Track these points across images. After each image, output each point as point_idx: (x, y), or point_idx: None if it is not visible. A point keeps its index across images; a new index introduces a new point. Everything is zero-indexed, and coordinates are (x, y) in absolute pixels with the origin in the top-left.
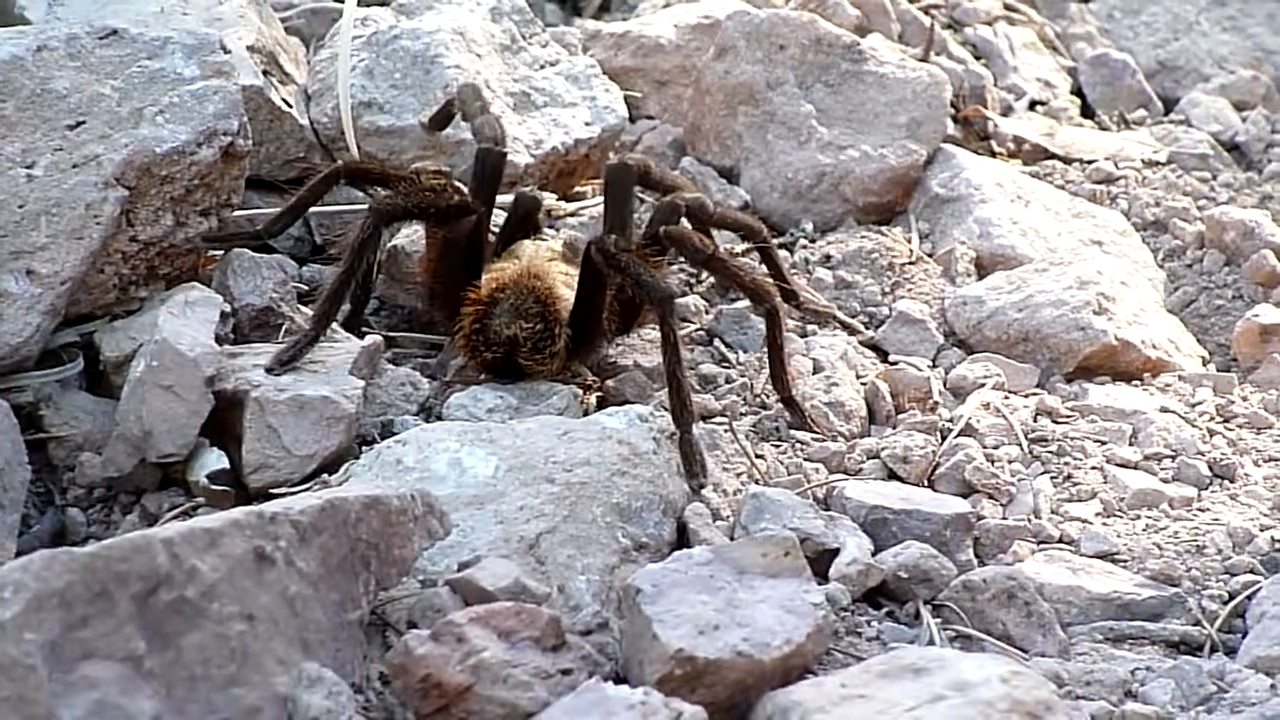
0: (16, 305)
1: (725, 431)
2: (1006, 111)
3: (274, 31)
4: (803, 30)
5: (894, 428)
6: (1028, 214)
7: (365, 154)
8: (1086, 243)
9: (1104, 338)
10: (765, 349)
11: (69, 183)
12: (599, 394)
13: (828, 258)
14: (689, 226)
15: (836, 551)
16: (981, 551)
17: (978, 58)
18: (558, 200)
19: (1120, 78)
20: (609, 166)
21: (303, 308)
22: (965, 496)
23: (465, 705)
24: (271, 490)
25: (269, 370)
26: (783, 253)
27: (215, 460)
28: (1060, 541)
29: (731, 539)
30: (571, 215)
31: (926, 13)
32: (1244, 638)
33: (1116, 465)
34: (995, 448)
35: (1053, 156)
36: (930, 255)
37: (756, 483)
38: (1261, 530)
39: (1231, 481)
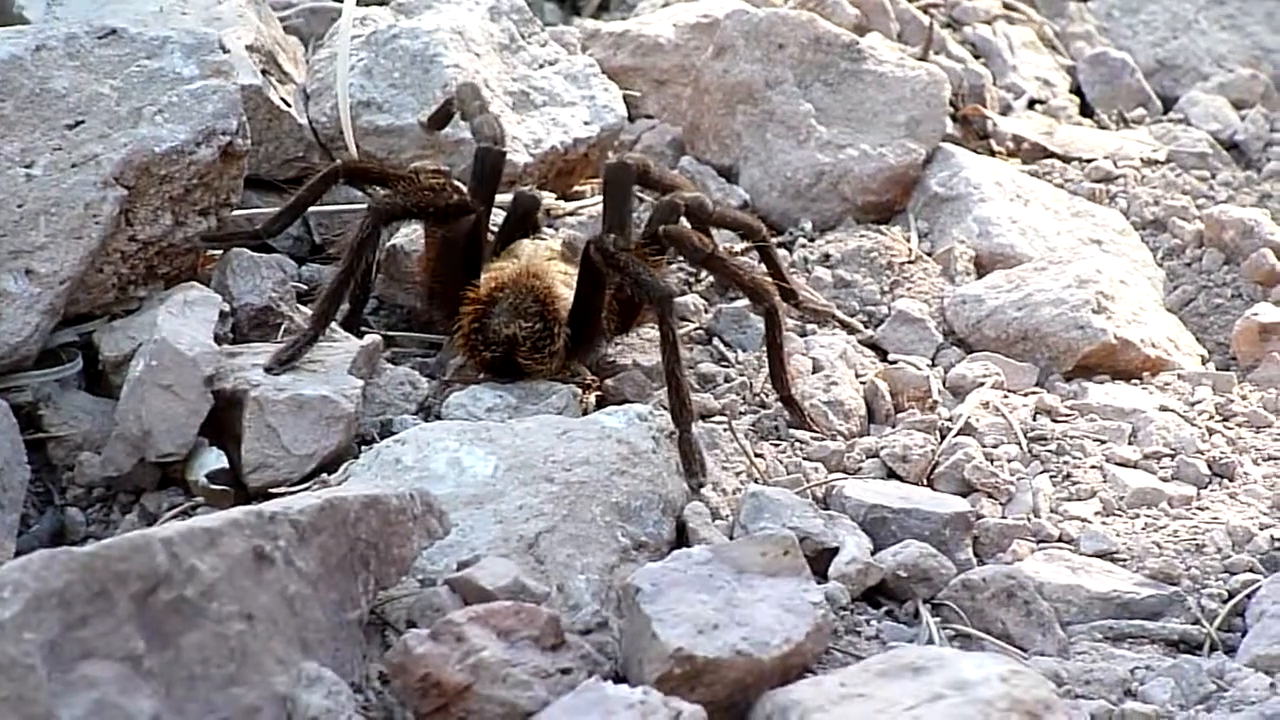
0: (15, 305)
1: (724, 430)
2: (1005, 110)
3: (273, 31)
4: (801, 29)
5: (893, 427)
6: (1027, 213)
7: (364, 153)
8: (1085, 241)
9: (1103, 336)
10: (764, 348)
11: (68, 182)
12: (598, 393)
13: (827, 257)
14: (688, 226)
15: (836, 550)
16: (981, 550)
17: (977, 57)
18: (557, 199)
19: (1119, 76)
20: (608, 166)
21: (302, 307)
22: (964, 495)
23: (464, 704)
24: (271, 490)
25: (268, 370)
26: (782, 252)
27: (214, 460)
28: (1059, 540)
29: (731, 538)
30: (570, 214)
31: (925, 11)
32: (1243, 636)
33: (1116, 464)
34: (994, 447)
35: (1052, 155)
36: (929, 254)
37: (756, 482)
38: (1261, 529)
39: (1231, 480)
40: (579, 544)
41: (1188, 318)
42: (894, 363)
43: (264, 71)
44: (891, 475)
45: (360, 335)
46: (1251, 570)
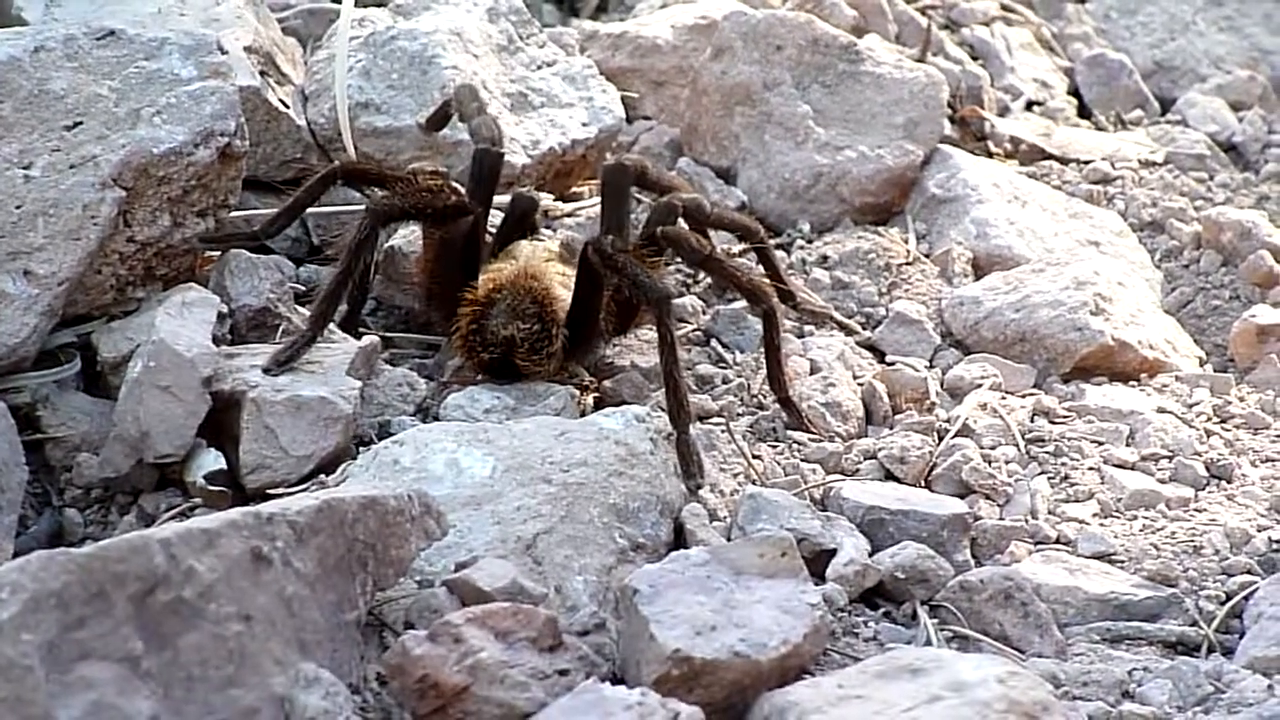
0: (14, 306)
1: (722, 432)
2: (1003, 112)
3: (271, 32)
4: (800, 31)
5: (891, 428)
6: (1024, 214)
7: (362, 154)
8: (1083, 243)
9: (1101, 338)
10: (762, 349)
11: (66, 183)
12: (596, 394)
13: (825, 258)
14: (686, 227)
15: (833, 552)
16: (978, 552)
17: (975, 58)
18: (555, 201)
19: (1117, 78)
20: (606, 167)
21: (300, 308)
22: (962, 497)
23: (462, 706)
24: (269, 491)
25: (266, 371)
26: (780, 253)
27: (212, 461)
28: (1057, 542)
29: (728, 539)
30: (568, 216)
31: (923, 13)
32: (1241, 638)
33: (1113, 466)
34: (992, 448)
35: (1049, 157)
36: (927, 256)
37: (753, 483)
38: (1259, 531)
39: (1229, 482)
40: (577, 545)
41: (1185, 319)
42: (892, 364)
43: (262, 73)
44: (889, 477)
45: (358, 336)
46: (1249, 572)
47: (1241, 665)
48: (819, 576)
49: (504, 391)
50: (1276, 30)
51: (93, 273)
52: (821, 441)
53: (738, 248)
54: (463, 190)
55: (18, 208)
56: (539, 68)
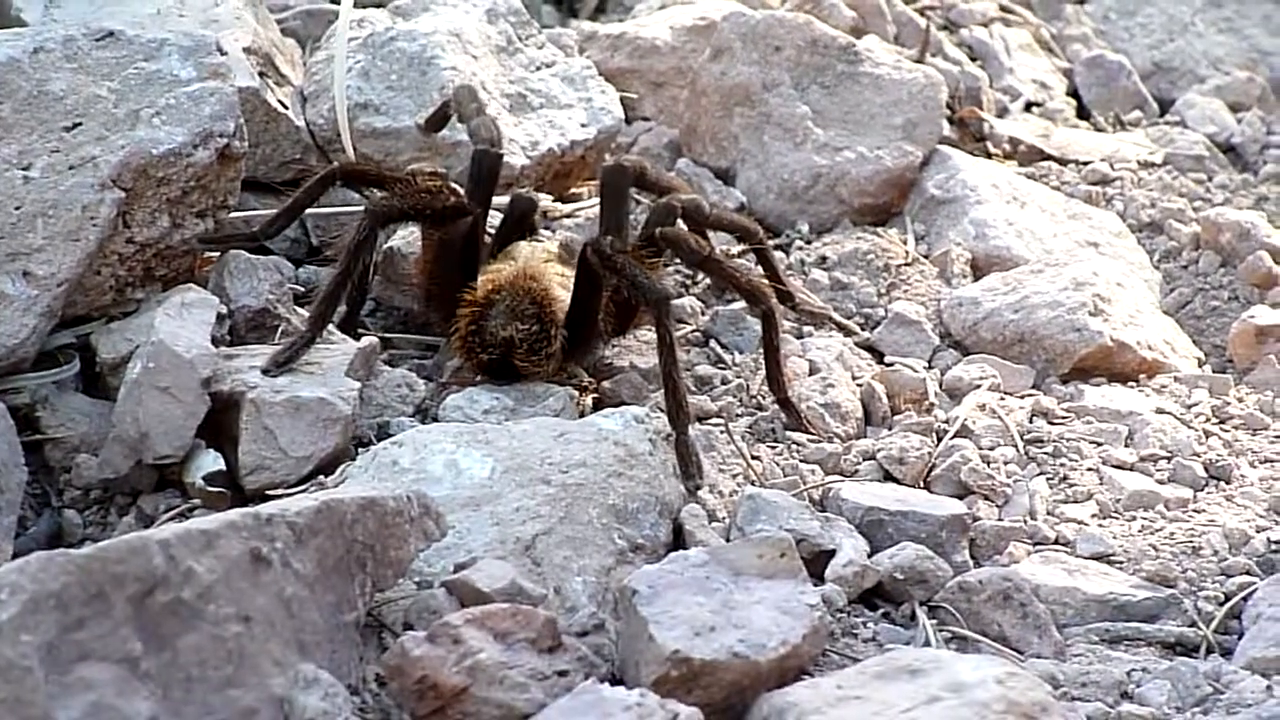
0: (13, 307)
1: (721, 433)
2: (1002, 113)
3: (270, 33)
4: (798, 32)
5: (890, 429)
6: (1023, 215)
7: (361, 155)
8: (1082, 244)
9: (1100, 339)
10: (761, 350)
11: (65, 184)
12: (595, 395)
13: (823, 259)
14: (685, 228)
15: (832, 553)
16: (977, 553)
17: (973, 59)
18: (554, 202)
19: (1116, 79)
20: (605, 168)
21: (299, 309)
22: (961, 498)
23: (461, 707)
24: (268, 492)
25: (265, 372)
26: (778, 254)
27: (211, 462)
28: (1056, 543)
29: (727, 540)
30: (567, 217)
31: (922, 14)
32: (1240, 639)
33: (1112, 466)
34: (991, 449)
35: (1048, 158)
36: (926, 256)
37: (752, 484)
38: (1257, 532)
39: (1227, 483)
40: (576, 546)
41: (1184, 320)
42: (891, 365)
43: (261, 74)
44: (888, 477)
45: (357, 337)
46: (1248, 573)
47: (1240, 666)
48: (818, 577)
49: (503, 392)
50: (1275, 31)
51: (92, 274)
52: (820, 442)
53: (737, 248)
54: (462, 191)
55: (17, 209)
56: (538, 69)
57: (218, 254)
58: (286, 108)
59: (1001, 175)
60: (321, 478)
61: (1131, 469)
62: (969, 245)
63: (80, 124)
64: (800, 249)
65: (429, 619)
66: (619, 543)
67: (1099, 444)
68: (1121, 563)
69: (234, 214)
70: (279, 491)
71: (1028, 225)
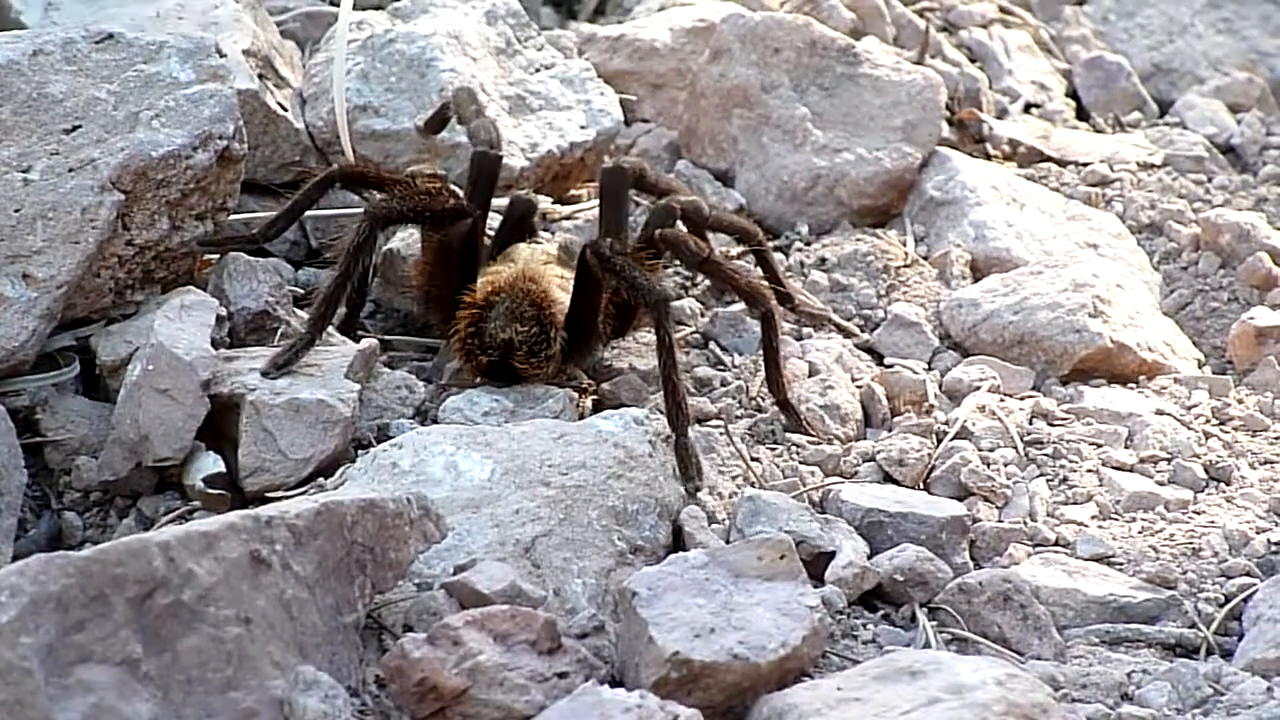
0: (13, 309)
1: (721, 434)
2: (1001, 114)
3: (269, 35)
4: (797, 33)
5: (889, 430)
6: (1023, 217)
7: (360, 157)
8: (1082, 245)
9: (1099, 340)
10: (760, 352)
11: (65, 187)
12: (594, 397)
13: (823, 260)
14: (684, 230)
15: (832, 554)
16: (977, 554)
17: (973, 60)
18: (553, 203)
19: (1115, 80)
20: (604, 170)
21: (298, 311)
22: (961, 499)
23: (461, 708)
24: (267, 494)
25: (265, 374)
26: (778, 255)
27: (211, 464)
28: (1056, 544)
29: (727, 542)
30: (567, 218)
31: (921, 15)
32: (1240, 640)
33: (1112, 468)
34: (991, 450)
35: (1048, 159)
36: (925, 258)
37: (752, 486)
38: (1258, 533)
39: (1227, 484)
40: (575, 548)
41: (1184, 321)
42: (890, 366)
43: (260, 76)
44: (888, 479)
45: (357, 339)
46: (1248, 574)
47: (1240, 667)
48: (818, 579)
49: (502, 394)
50: (1275, 32)
51: (91, 276)
52: (820, 444)
53: (736, 250)
54: (461, 193)
55: (16, 211)
56: (537, 70)
57: (217, 256)
58: (286, 110)
59: (1001, 177)
60: (321, 480)
61: (1131, 470)
62: (968, 247)
63: (80, 126)
64: (799, 250)
65: (429, 621)
66: (619, 544)
67: (1099, 445)
68: (1121, 564)
69: (233, 216)
70: (279, 494)
71: (1027, 227)
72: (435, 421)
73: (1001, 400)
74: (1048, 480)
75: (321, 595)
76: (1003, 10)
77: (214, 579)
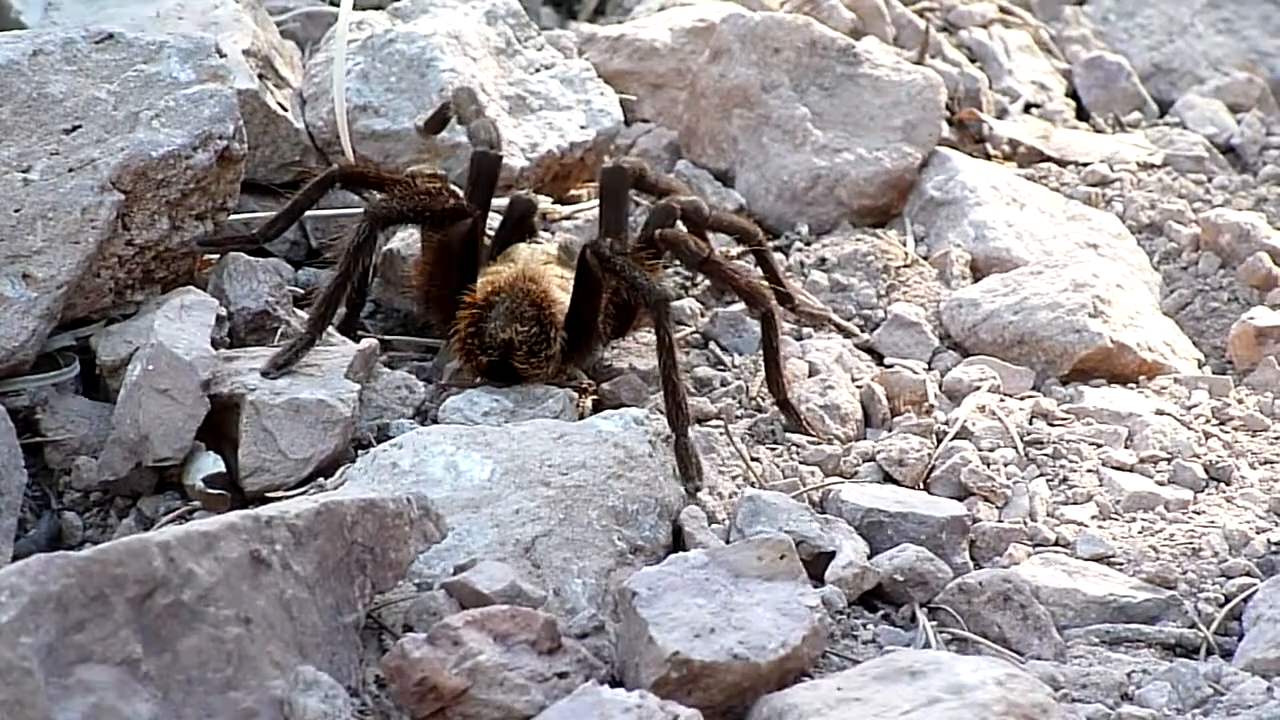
0: (13, 309)
1: (721, 434)
2: (1001, 114)
3: (269, 35)
4: (797, 33)
5: (889, 431)
6: (1023, 217)
7: (360, 157)
8: (1082, 245)
9: (1099, 340)
10: (760, 352)
11: (65, 187)
12: (594, 397)
13: (823, 260)
14: (684, 229)
15: (832, 554)
16: (977, 554)
17: (973, 61)
18: (553, 203)
19: (1115, 80)
20: (604, 170)
21: (298, 311)
22: (961, 499)
23: (461, 708)
24: (267, 494)
25: (265, 374)
26: (778, 255)
27: (211, 464)
28: (1056, 544)
29: (727, 542)
30: (567, 219)
31: (921, 15)
32: (1240, 640)
33: (1112, 468)
34: (991, 450)
35: (1048, 159)
36: (925, 258)
37: (752, 486)
38: (1258, 533)
39: (1227, 484)
40: (575, 548)
41: (1184, 321)
42: (890, 367)
43: (261, 76)
44: (888, 479)
45: (357, 339)
46: (1248, 574)
47: (1240, 667)
48: (818, 579)
49: (502, 394)
50: (1275, 32)
51: (91, 276)
52: (820, 444)
53: (736, 250)
54: (461, 193)
55: (16, 211)
56: (537, 70)
57: (217, 256)
58: (286, 110)
59: (1001, 177)
60: (321, 480)
61: (1131, 470)
62: (968, 247)
63: (80, 126)
64: (799, 250)
65: (429, 621)
66: (618, 544)
67: (1099, 445)
68: (1121, 564)
69: (233, 216)
70: (279, 494)
71: (1027, 227)
72: (435, 421)
73: (1001, 400)
74: (1048, 480)
75: (321, 595)
76: (1003, 10)
77: (214, 579)
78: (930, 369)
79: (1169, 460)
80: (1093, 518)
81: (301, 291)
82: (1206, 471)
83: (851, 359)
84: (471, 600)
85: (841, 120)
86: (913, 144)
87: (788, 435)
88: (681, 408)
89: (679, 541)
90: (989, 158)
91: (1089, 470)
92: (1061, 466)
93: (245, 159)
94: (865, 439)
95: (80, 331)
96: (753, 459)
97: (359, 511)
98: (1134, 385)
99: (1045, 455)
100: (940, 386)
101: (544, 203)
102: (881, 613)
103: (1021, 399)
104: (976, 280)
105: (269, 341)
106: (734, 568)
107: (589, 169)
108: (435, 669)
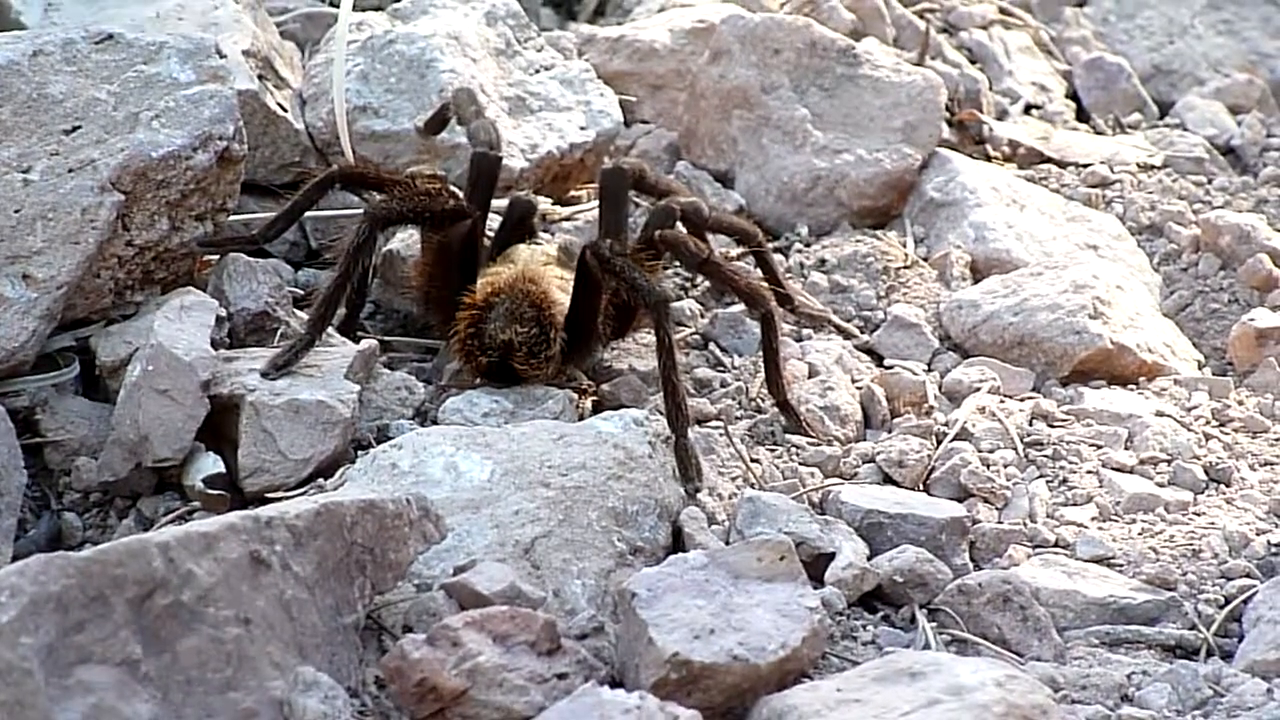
0: (13, 310)
1: (720, 435)
2: (1002, 115)
3: (269, 36)
4: (797, 34)
5: (889, 432)
6: (1023, 218)
7: (360, 158)
8: (1082, 247)
9: (1099, 341)
10: (760, 353)
11: (65, 187)
12: (594, 398)
13: (823, 262)
14: (684, 230)
15: (832, 555)
16: (977, 555)
17: (973, 62)
18: (553, 204)
19: (1115, 81)
20: (604, 170)
21: (298, 312)
22: (961, 500)
23: (461, 709)
24: (267, 494)
25: (264, 374)
26: (778, 257)
27: (211, 464)
28: (1056, 545)
29: (727, 543)
30: (566, 219)
31: (921, 16)
32: (1240, 642)
33: (1112, 469)
34: (991, 452)
35: (1048, 160)
36: (925, 259)
37: (752, 487)
38: (1258, 534)
39: (1227, 485)
40: (575, 549)
41: (1184, 323)
42: (890, 368)
43: (260, 77)
44: (888, 480)
45: (356, 340)
46: (1248, 575)
47: (1240, 669)
48: (817, 580)
49: (502, 395)
50: (1275, 33)
51: (91, 276)
52: (820, 445)
53: (736, 251)
54: (461, 194)
55: (16, 212)
56: (537, 71)
57: (217, 257)
58: (286, 111)
59: (1001, 178)
60: (321, 480)
61: (1131, 472)
62: (968, 248)
63: (79, 127)
64: (799, 251)
65: (428, 621)
66: (618, 545)
67: (1099, 447)
68: (1121, 565)
69: (233, 217)
70: (278, 494)
71: (1027, 228)
72: (435, 422)
73: (1001, 401)
74: (1048, 481)
75: (321, 596)
76: (1003, 11)
77: (214, 579)
78: (930, 370)
79: (1169, 462)
80: (1093, 519)
81: (301, 292)
82: (1207, 473)
83: (851, 360)
84: (471, 601)
85: (841, 121)
86: (913, 145)
87: (787, 436)
88: (681, 409)
89: (679, 542)
90: (989, 159)
91: (1089, 471)
92: (1061, 468)
93: (245, 160)
94: (865, 440)
95: (80, 332)
96: (752, 460)
97: (359, 512)
98: (1134, 387)
99: (1045, 456)
100: (940, 388)
101: (544, 204)
102: (881, 614)
103: (1021, 400)
104: (976, 281)
105: (269, 342)
106: (734, 569)
107: (589, 170)
108: (435, 670)
